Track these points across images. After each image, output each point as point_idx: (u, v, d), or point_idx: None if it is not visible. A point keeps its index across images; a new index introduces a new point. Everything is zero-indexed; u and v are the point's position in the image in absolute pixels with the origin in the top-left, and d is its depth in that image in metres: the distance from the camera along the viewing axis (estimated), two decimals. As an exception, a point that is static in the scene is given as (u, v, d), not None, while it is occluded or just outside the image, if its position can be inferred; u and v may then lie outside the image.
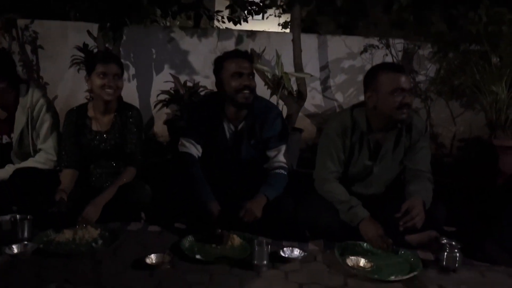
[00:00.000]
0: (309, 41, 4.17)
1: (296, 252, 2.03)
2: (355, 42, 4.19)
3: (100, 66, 2.36)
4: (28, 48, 4.46)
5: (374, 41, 3.99)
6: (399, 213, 2.03)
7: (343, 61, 4.26)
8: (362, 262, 1.94)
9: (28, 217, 2.03)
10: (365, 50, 3.85)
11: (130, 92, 4.35)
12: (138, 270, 1.82)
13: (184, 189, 2.29)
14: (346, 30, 4.90)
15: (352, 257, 1.96)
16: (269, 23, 6.40)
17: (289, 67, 3.76)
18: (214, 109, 2.37)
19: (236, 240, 2.13)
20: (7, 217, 2.30)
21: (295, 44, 3.67)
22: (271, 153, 2.39)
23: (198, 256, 1.94)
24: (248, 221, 2.15)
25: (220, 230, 2.09)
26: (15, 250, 1.87)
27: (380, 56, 4.00)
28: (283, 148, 2.40)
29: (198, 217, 2.27)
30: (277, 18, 6.24)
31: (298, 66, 3.68)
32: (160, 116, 4.33)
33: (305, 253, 2.02)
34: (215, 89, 3.70)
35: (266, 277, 1.81)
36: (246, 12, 4.99)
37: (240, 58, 2.32)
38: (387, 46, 3.92)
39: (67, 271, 1.77)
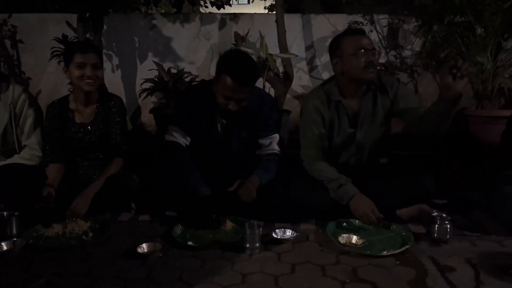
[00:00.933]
0: (293, 21, 4.12)
1: (288, 233, 2.03)
2: (340, 20, 4.15)
3: (77, 56, 2.31)
4: (7, 43, 4.37)
5: (358, 17, 3.95)
6: None
7: (328, 39, 4.15)
8: (354, 239, 1.95)
9: (16, 213, 2.00)
10: (349, 27, 3.82)
11: (115, 82, 4.29)
12: (129, 260, 1.80)
13: (173, 178, 2.27)
14: (331, 9, 4.85)
15: (344, 234, 1.97)
16: (255, 7, 6.30)
17: (274, 49, 3.73)
18: (206, 99, 2.29)
19: (228, 224, 2.13)
20: (-5, 215, 2.29)
21: (279, 24, 3.63)
22: (265, 142, 2.37)
23: (190, 243, 1.93)
24: (245, 201, 2.14)
25: (214, 215, 2.09)
26: (4, 247, 1.84)
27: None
28: (277, 137, 2.39)
29: (189, 205, 2.27)
30: (263, 1, 6.15)
31: (283, 47, 3.65)
32: (147, 105, 4.28)
33: (297, 234, 2.02)
34: (200, 75, 3.67)
35: (258, 259, 1.81)
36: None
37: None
38: (372, 22, 3.88)
39: (57, 265, 1.75)
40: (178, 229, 2.08)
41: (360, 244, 1.91)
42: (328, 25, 4.18)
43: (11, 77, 2.56)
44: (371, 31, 3.88)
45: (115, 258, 1.82)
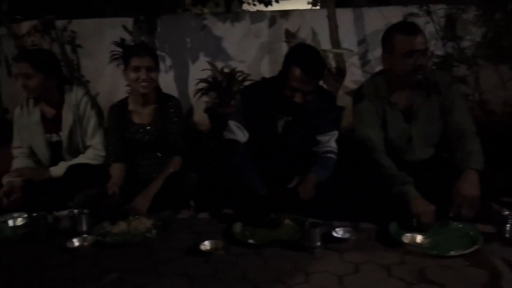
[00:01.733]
0: (344, 16, 4.04)
1: (349, 232, 2.00)
2: (393, 12, 4.01)
3: (134, 59, 2.38)
4: (67, 48, 4.58)
5: (414, 9, 3.82)
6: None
7: (382, 33, 4.11)
8: (419, 238, 1.88)
9: (85, 211, 2.09)
10: (404, 19, 3.68)
11: (168, 83, 4.39)
12: (193, 257, 1.84)
13: (230, 176, 2.29)
14: (380, 2, 4.71)
15: (408, 234, 1.91)
16: (298, 2, 6.24)
17: (325, 44, 3.68)
18: (267, 96, 2.31)
19: (287, 222, 2.13)
20: (65, 212, 2.40)
21: (331, 19, 3.58)
22: (323, 138, 2.34)
23: (250, 241, 1.94)
24: (304, 198, 2.12)
25: (273, 216, 2.09)
26: (76, 243, 1.94)
27: (421, 24, 3.82)
28: (336, 134, 2.36)
29: (247, 203, 2.29)
30: None
31: (335, 42, 3.59)
32: (199, 105, 4.35)
33: (358, 233, 1.99)
34: (251, 74, 3.69)
35: (320, 258, 1.79)
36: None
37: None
38: (428, 13, 3.73)
39: (125, 261, 1.82)
40: (238, 227, 2.10)
41: (426, 244, 1.84)
42: (381, 18, 4.05)
43: (74, 80, 2.68)
44: (428, 22, 3.74)
45: (178, 255, 1.86)
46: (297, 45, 2.32)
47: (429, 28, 3.82)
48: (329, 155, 2.33)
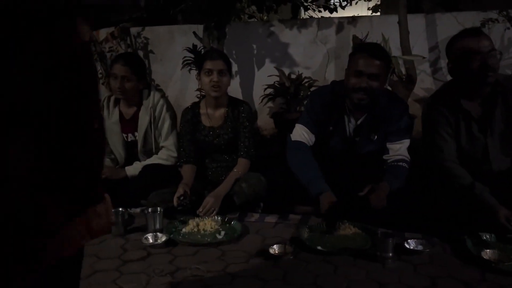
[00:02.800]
0: (415, 22, 3.91)
1: (422, 244, 1.93)
2: (469, 18, 3.84)
3: (206, 63, 2.46)
4: (140, 53, 4.81)
5: (492, 14, 3.62)
6: None
7: (456, 39, 3.95)
8: (499, 254, 1.78)
9: (159, 209, 2.17)
10: (482, 26, 3.51)
11: (233, 88, 4.46)
12: (262, 260, 1.86)
13: (297, 179, 2.29)
14: (449, 7, 4.51)
15: (488, 250, 1.81)
16: (357, 8, 6.13)
17: (394, 51, 3.59)
18: (335, 99, 2.32)
19: (354, 230, 2.09)
20: (137, 210, 2.52)
21: (402, 26, 3.48)
22: (394, 146, 2.29)
23: (319, 247, 1.93)
24: (376, 207, 2.08)
25: (341, 221, 2.07)
26: (150, 240, 2.02)
27: (499, 30, 3.63)
28: (407, 142, 2.30)
29: (314, 208, 2.29)
30: (366, 2, 5.96)
31: (406, 49, 3.49)
32: (263, 110, 4.39)
33: (433, 245, 1.91)
34: (318, 80, 3.68)
35: (393, 269, 1.75)
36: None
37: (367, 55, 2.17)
38: (509, 19, 3.53)
39: (197, 260, 1.87)
40: (305, 233, 2.09)
41: (508, 262, 1.73)
42: (455, 24, 3.89)
43: (151, 83, 2.81)
44: (508, 28, 3.53)
45: (248, 257, 1.89)
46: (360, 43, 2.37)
47: (509, 34, 3.61)
48: (401, 163, 2.27)
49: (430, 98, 2.31)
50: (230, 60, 2.60)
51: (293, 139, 2.37)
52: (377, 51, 2.22)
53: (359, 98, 2.19)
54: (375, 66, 2.15)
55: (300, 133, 2.34)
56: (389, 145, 2.30)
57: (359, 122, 2.32)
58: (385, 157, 2.31)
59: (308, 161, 2.29)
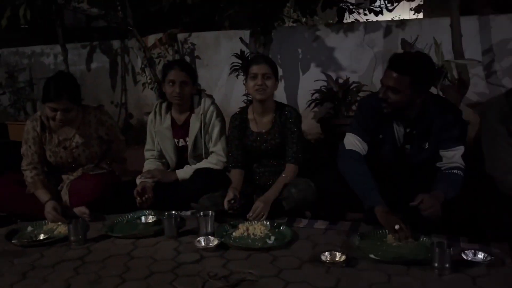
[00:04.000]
0: (468, 24, 3.80)
1: (480, 255, 1.86)
2: (526, 19, 3.70)
3: (252, 68, 2.49)
4: (187, 59, 4.92)
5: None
6: None
7: (511, 42, 3.80)
8: None
9: (210, 213, 2.22)
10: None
11: (278, 93, 4.48)
12: (314, 266, 1.85)
13: (347, 186, 2.27)
14: (502, 8, 4.33)
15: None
16: (398, 9, 6.00)
17: (446, 55, 3.50)
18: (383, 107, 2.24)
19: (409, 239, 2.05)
20: (188, 212, 2.58)
21: (454, 29, 3.39)
22: (448, 154, 2.21)
23: (372, 255, 1.90)
24: (430, 217, 2.04)
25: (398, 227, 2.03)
26: (203, 243, 2.07)
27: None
28: (462, 149, 2.21)
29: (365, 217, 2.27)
30: (408, 3, 5.82)
31: (458, 53, 3.40)
32: (308, 115, 4.39)
33: (491, 257, 1.84)
34: (366, 85, 3.62)
35: (450, 281, 1.70)
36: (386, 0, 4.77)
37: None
38: None
39: (249, 264, 1.89)
40: (357, 240, 2.07)
41: None
42: (510, 26, 3.75)
43: (202, 90, 2.87)
44: None
45: (300, 264, 1.89)
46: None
47: None
48: (455, 171, 2.19)
49: (490, 105, 2.21)
50: (276, 65, 2.61)
51: (346, 147, 2.32)
52: (401, 63, 2.10)
53: (383, 106, 2.17)
54: (392, 79, 2.08)
55: (353, 142, 2.30)
56: (442, 153, 2.23)
57: (408, 130, 2.26)
58: (438, 164, 2.24)
59: (363, 171, 2.24)
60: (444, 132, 2.21)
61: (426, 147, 2.25)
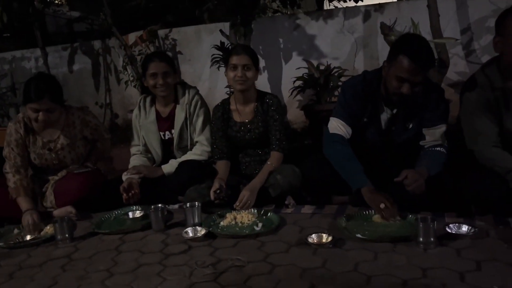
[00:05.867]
0: (445, 5, 3.82)
1: (464, 228, 1.89)
2: (502, -3, 3.73)
3: (232, 58, 2.49)
4: (169, 54, 4.88)
5: (527, -9, 3.49)
6: None
7: (489, 19, 3.82)
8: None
9: (197, 204, 2.22)
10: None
11: (261, 83, 4.48)
12: (301, 249, 1.87)
13: (332, 170, 2.28)
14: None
15: (534, 231, 1.76)
16: None
17: (424, 35, 3.51)
18: (369, 89, 2.26)
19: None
20: (176, 206, 2.58)
21: (432, 9, 3.41)
22: (431, 132, 2.23)
23: (358, 235, 1.92)
24: (414, 193, 2.06)
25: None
26: (190, 234, 2.07)
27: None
28: (444, 127, 2.24)
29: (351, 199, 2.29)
30: None
31: (437, 32, 3.42)
32: (292, 104, 4.40)
33: (475, 229, 1.87)
34: (347, 70, 3.63)
35: (435, 254, 1.72)
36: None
37: None
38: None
39: (238, 251, 1.90)
40: (343, 221, 2.09)
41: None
42: (487, 4, 3.78)
43: (185, 81, 2.87)
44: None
45: (287, 247, 1.90)
46: (405, 34, 2.25)
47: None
48: (438, 148, 2.22)
49: (468, 82, 2.22)
50: (258, 55, 2.61)
51: (330, 131, 2.32)
52: (424, 57, 2.05)
53: (398, 100, 2.16)
54: (420, 75, 2.05)
55: (337, 126, 2.30)
56: (425, 131, 2.25)
57: (394, 112, 2.27)
58: (421, 143, 2.27)
59: (348, 154, 2.25)
60: (428, 111, 2.23)
61: (410, 127, 2.27)
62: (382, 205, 2.02)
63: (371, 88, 2.26)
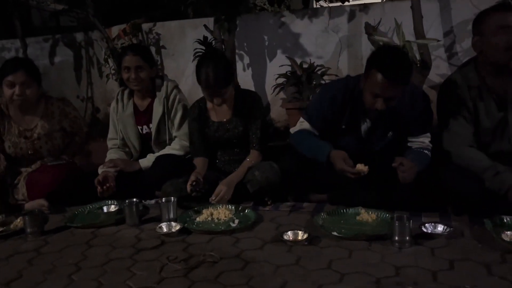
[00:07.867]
0: (428, 6, 3.84)
1: (440, 227, 1.90)
2: (484, 0, 3.75)
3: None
4: (152, 49, 4.82)
5: (509, -5, 3.53)
6: None
7: (471, 23, 3.84)
8: (519, 236, 1.73)
9: (172, 199, 2.18)
10: (498, 3, 3.41)
11: (246, 81, 4.45)
12: (276, 246, 1.84)
13: (311, 167, 2.26)
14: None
15: (508, 232, 1.76)
16: None
17: (408, 37, 3.52)
18: (349, 98, 2.20)
19: (372, 216, 2.06)
20: (153, 201, 2.53)
21: (415, 10, 3.42)
22: (417, 140, 2.22)
23: (334, 233, 1.90)
24: (403, 177, 2.04)
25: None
26: (165, 229, 2.03)
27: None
28: (429, 136, 2.23)
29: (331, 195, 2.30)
30: None
31: (420, 34, 3.42)
32: (276, 102, 4.36)
33: (450, 229, 1.87)
34: (330, 68, 3.61)
35: (410, 253, 1.71)
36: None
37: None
38: (525, -1, 3.43)
39: (212, 247, 1.86)
40: (320, 219, 2.07)
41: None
42: (470, 7, 3.80)
43: (165, 75, 2.82)
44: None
45: (262, 244, 1.87)
46: (381, 46, 2.23)
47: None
48: (425, 151, 2.21)
49: (444, 82, 2.24)
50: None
51: (292, 131, 2.36)
52: (399, 73, 1.97)
53: (374, 114, 2.15)
54: (392, 91, 1.99)
55: (302, 126, 2.32)
56: (411, 139, 2.23)
57: (374, 121, 2.22)
58: (409, 144, 2.25)
59: (309, 134, 2.26)
60: (414, 120, 2.20)
61: (390, 135, 2.25)
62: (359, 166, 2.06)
63: (352, 96, 2.20)
